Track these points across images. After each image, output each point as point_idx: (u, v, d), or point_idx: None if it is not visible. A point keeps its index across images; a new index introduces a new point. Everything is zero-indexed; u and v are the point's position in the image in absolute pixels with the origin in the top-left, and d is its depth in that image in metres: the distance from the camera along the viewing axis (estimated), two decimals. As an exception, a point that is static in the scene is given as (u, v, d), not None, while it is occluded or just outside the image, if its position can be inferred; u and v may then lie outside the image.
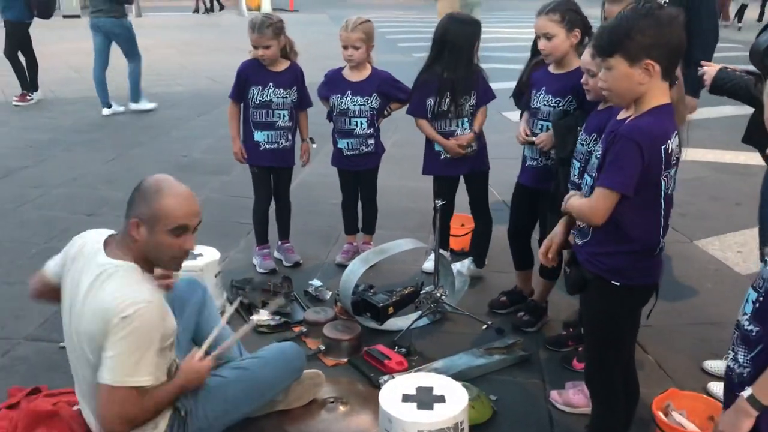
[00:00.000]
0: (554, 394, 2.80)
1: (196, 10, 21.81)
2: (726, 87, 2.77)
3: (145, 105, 8.15)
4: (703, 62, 2.88)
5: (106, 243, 2.23)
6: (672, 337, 3.30)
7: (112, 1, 7.50)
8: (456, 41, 3.50)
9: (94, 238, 2.28)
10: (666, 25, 1.93)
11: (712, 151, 6.42)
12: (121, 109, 8.10)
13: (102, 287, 2.11)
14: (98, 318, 2.07)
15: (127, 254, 2.19)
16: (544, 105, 3.12)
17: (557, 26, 2.98)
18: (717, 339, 3.24)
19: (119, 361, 2.06)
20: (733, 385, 1.75)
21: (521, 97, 3.39)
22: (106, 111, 7.96)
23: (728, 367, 1.80)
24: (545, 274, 3.28)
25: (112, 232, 2.31)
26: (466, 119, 3.63)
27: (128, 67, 7.95)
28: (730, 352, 1.78)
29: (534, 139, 3.14)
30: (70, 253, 2.30)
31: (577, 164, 2.50)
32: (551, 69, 3.14)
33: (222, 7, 22.78)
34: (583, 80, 2.65)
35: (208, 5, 22.34)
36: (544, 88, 3.13)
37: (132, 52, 7.90)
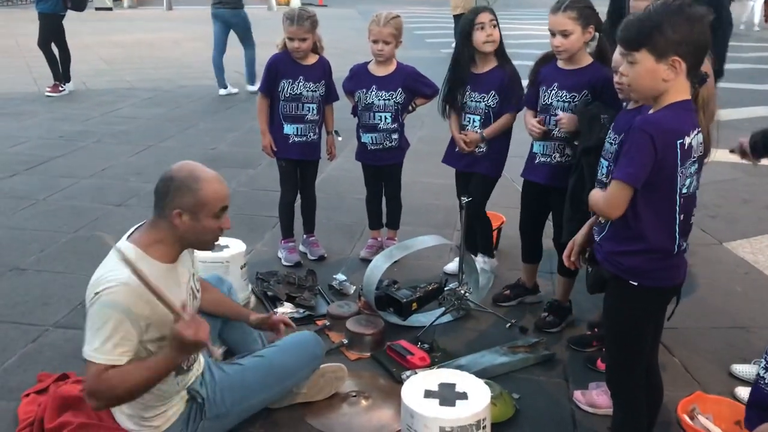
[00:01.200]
0: (577, 394, 2.78)
1: None
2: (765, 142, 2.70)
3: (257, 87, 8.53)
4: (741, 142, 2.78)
5: (132, 233, 2.26)
6: (699, 339, 3.25)
7: None
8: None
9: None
10: (696, 23, 1.91)
11: (744, 152, 6.30)
12: (235, 90, 8.78)
13: (101, 264, 2.17)
14: (87, 293, 2.12)
15: (152, 241, 2.20)
16: (557, 101, 3.09)
17: (574, 23, 2.95)
18: (745, 343, 3.20)
19: (89, 335, 2.07)
20: (764, 395, 1.72)
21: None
22: (222, 91, 8.69)
23: (758, 376, 1.77)
24: (563, 271, 3.26)
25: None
26: (477, 117, 3.52)
27: (245, 53, 8.61)
28: (762, 360, 1.75)
29: (559, 116, 3.05)
30: None
31: (605, 163, 2.47)
32: (561, 65, 3.12)
33: None
34: (616, 79, 2.61)
35: None
36: (556, 84, 3.10)
37: (247, 39, 8.60)
